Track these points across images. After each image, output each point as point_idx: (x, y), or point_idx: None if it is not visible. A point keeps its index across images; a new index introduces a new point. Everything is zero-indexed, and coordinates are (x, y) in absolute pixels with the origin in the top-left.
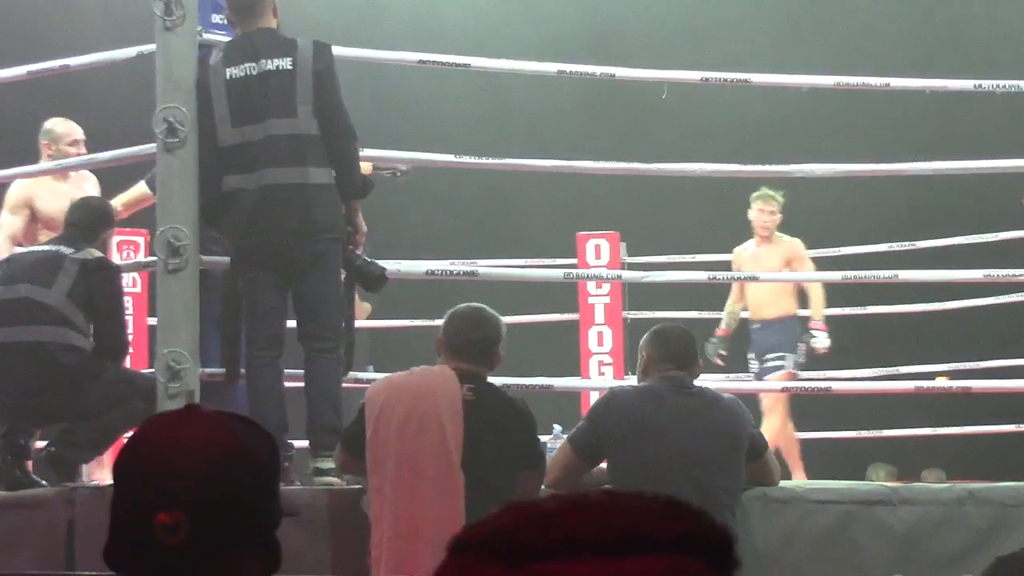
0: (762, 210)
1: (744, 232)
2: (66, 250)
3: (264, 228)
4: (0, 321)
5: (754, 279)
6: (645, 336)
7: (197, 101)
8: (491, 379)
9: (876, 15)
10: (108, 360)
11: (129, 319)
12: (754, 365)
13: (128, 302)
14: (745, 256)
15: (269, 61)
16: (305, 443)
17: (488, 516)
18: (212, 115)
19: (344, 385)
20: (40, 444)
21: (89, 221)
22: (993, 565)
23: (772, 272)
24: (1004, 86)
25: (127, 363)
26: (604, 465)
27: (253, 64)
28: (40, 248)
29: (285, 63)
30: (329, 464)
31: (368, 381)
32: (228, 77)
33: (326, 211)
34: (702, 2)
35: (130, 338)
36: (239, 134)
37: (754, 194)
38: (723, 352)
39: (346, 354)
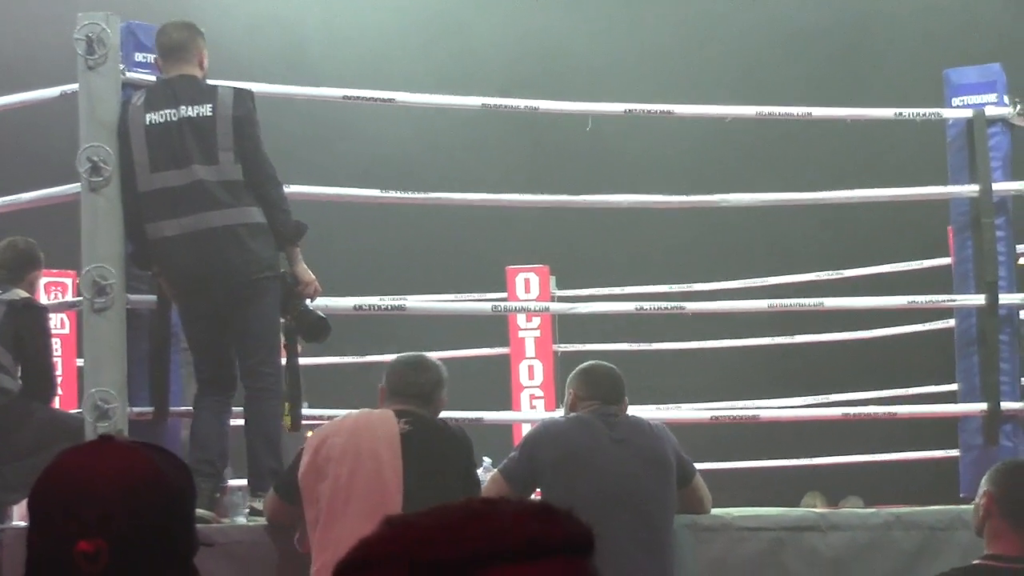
0: None
1: (674, 262)
2: None
3: (202, 272)
4: None
5: (681, 308)
6: (572, 374)
7: (117, 146)
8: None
9: (797, 49)
10: (37, 401)
11: (58, 360)
12: None
13: (57, 343)
14: None
15: (189, 108)
16: (242, 481)
17: (377, 533)
18: (131, 160)
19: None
20: None
21: (15, 262)
22: None
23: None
24: (924, 114)
25: (56, 404)
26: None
27: (173, 111)
28: None
29: (205, 110)
30: None
31: (305, 418)
32: (148, 123)
33: (264, 248)
34: (627, 36)
35: (59, 379)
36: (159, 179)
37: None
38: None
39: (292, 408)
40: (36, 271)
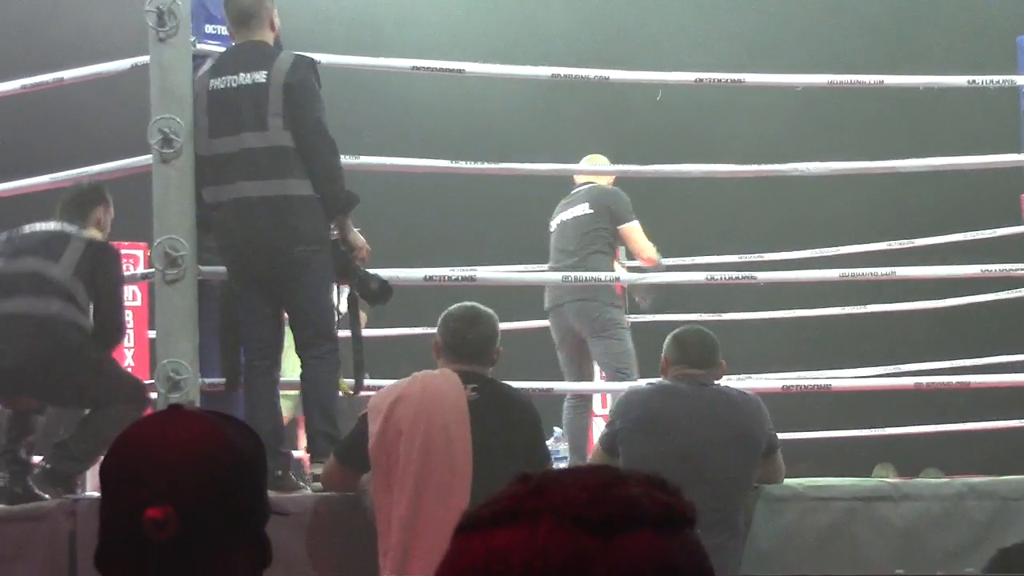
0: None
1: (745, 231)
2: (70, 228)
3: (242, 241)
4: (6, 292)
5: (752, 278)
6: (667, 338)
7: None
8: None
9: (867, 16)
10: (104, 342)
11: (129, 332)
12: None
13: (128, 316)
14: None
15: (247, 74)
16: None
17: (517, 488)
18: (196, 125)
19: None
20: (36, 459)
21: (80, 199)
22: (996, 557)
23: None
24: (997, 81)
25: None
26: None
27: (234, 77)
28: (45, 226)
29: (260, 76)
30: None
31: (369, 388)
32: (211, 88)
33: (306, 222)
34: (695, 5)
35: (127, 325)
36: (214, 146)
37: None
38: None
39: (356, 371)
40: (102, 206)
